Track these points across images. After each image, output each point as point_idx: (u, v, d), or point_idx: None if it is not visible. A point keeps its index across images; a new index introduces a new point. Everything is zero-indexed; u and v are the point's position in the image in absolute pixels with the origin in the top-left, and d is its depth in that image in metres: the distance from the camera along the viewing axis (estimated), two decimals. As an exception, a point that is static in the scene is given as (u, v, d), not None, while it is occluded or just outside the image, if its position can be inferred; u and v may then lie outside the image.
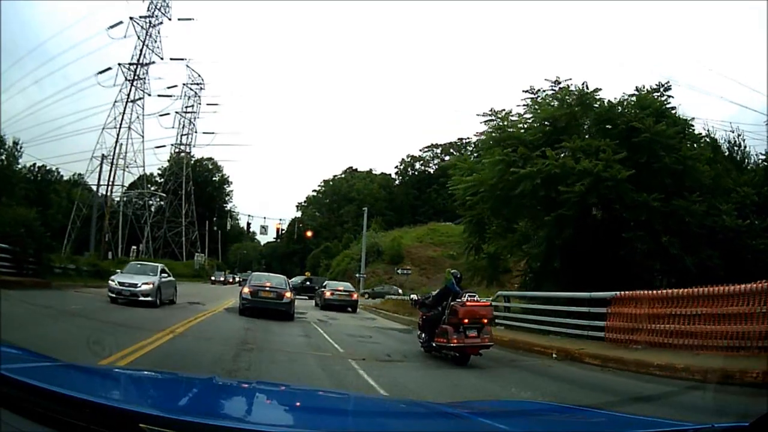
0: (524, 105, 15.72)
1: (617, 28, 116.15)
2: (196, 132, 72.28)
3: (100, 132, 58.41)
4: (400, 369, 8.38)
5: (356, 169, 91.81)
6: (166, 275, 16.66)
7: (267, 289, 15.73)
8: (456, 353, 8.78)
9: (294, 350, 9.29)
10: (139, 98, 62.01)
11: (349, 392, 5.00)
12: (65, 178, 66.63)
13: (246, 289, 15.80)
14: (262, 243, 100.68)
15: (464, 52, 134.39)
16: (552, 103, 15.46)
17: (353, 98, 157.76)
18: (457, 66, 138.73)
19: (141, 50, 61.23)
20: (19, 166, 49.81)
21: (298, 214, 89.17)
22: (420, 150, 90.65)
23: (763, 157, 20.79)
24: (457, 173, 16.55)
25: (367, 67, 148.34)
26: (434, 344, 9.25)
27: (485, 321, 8.89)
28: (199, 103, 71.54)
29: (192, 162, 75.08)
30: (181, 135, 71.72)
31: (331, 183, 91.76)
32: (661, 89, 15.60)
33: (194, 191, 72.06)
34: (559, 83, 15.66)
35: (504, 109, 15.70)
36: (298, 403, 2.55)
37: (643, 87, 15.68)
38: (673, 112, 15.67)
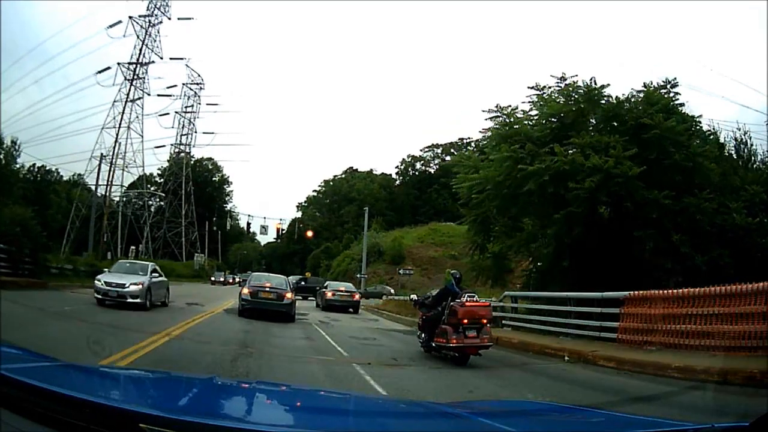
0: (529, 102, 15.49)
1: (617, 28, 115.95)
2: (195, 132, 72.03)
3: (99, 132, 58.14)
4: (408, 374, 8.00)
5: (356, 169, 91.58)
6: (157, 275, 15.59)
7: (267, 289, 15.30)
8: (455, 353, 8.80)
9: (295, 354, 8.91)
10: (139, 98, 61.73)
11: (349, 392, 4.87)
12: (65, 178, 66.40)
13: (245, 290, 15.38)
14: (262, 243, 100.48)
15: (464, 51, 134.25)
16: (558, 100, 15.20)
17: (353, 98, 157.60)
18: (458, 66, 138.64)
19: (140, 49, 60.98)
20: (18, 166, 49.39)
21: (299, 214, 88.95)
22: (420, 150, 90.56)
23: None
24: (461, 171, 16.20)
25: (368, 67, 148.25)
26: (434, 344, 9.28)
27: (485, 321, 8.91)
28: (199, 103, 71.30)
29: (192, 162, 74.77)
30: (181, 135, 71.47)
31: (331, 183, 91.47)
32: (668, 86, 15.32)
33: (194, 191, 71.73)
34: (565, 79, 15.40)
35: (510, 105, 15.43)
36: (298, 403, 2.54)
37: (651, 83, 15.45)
38: (681, 109, 15.44)
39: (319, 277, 39.73)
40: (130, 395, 2.17)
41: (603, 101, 15.11)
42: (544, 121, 14.93)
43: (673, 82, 15.31)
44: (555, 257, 13.43)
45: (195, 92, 70.97)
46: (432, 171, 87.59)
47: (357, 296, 24.65)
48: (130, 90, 60.29)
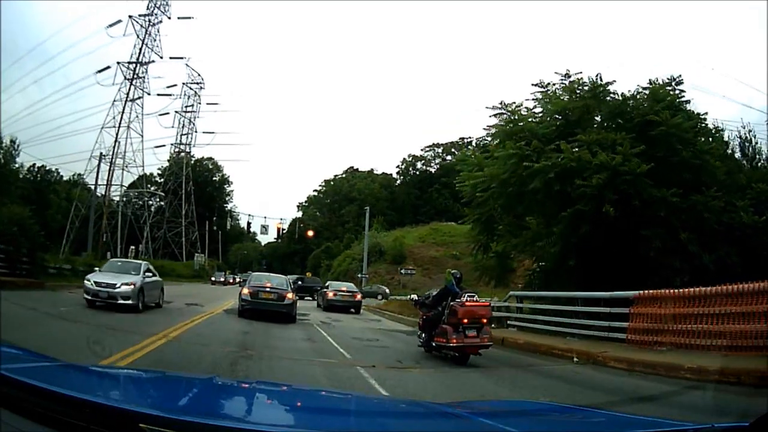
0: (533, 99, 15.31)
1: (617, 29, 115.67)
2: (196, 131, 71.82)
3: (99, 131, 57.88)
4: (414, 377, 7.72)
5: (357, 169, 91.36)
6: (150, 274, 14.79)
7: (267, 290, 14.97)
8: (455, 353, 8.83)
9: (297, 357, 8.61)
10: (139, 97, 61.49)
11: (349, 392, 4.79)
12: (65, 178, 66.16)
13: (245, 290, 15.05)
14: (262, 243, 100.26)
15: (465, 51, 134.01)
16: (563, 97, 15.00)
17: (354, 98, 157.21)
18: (458, 66, 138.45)
19: (140, 49, 60.73)
20: (17, 165, 49.23)
21: (299, 214, 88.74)
22: (421, 149, 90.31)
23: None
24: (465, 169, 15.96)
25: (368, 67, 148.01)
26: (434, 344, 9.29)
27: (484, 321, 8.93)
28: (199, 103, 71.11)
29: (192, 162, 74.58)
30: (181, 134, 71.25)
31: (332, 183, 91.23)
32: (673, 83, 15.12)
33: (194, 191, 71.54)
34: (569, 77, 15.21)
35: (514, 102, 15.21)
36: (298, 403, 2.53)
37: (657, 79, 15.24)
38: (686, 106, 15.24)
39: (316, 277, 39.38)
40: (130, 395, 2.16)
41: (609, 98, 14.93)
42: (549, 118, 14.73)
43: (678, 79, 15.15)
44: (561, 256, 13.17)
45: (195, 92, 70.84)
46: (433, 170, 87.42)
47: (359, 296, 24.38)
48: (129, 89, 60.12)
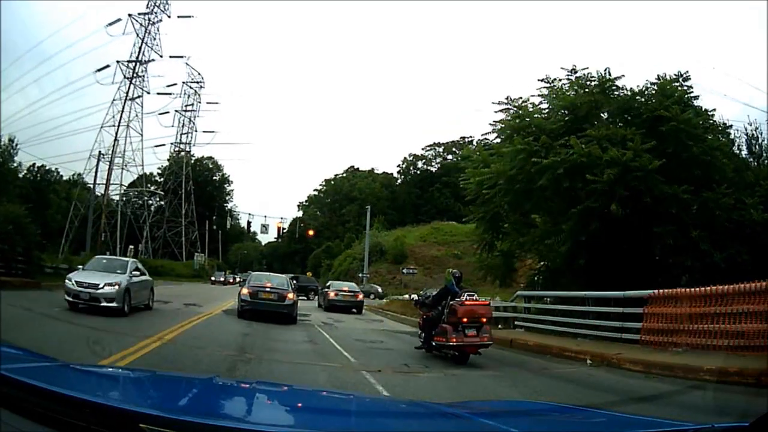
0: (539, 95, 14.98)
1: (616, 29, 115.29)
2: (196, 131, 71.46)
3: (98, 130, 57.55)
4: (423, 382, 7.32)
5: (358, 168, 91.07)
6: (138, 273, 13.48)
7: (267, 290, 14.54)
8: (455, 352, 8.90)
9: (298, 360, 8.21)
10: (138, 96, 61.16)
11: (349, 392, 4.69)
12: (65, 178, 65.87)
13: (245, 290, 14.63)
14: (263, 243, 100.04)
15: (465, 51, 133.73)
16: (569, 92, 14.69)
17: (354, 97, 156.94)
18: (458, 66, 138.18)
19: (140, 47, 60.41)
20: (15, 164, 48.97)
21: (299, 213, 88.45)
22: (422, 149, 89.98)
23: None
24: (470, 166, 15.59)
25: (369, 66, 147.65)
26: (434, 343, 9.30)
27: (484, 320, 8.96)
28: (199, 102, 70.78)
29: (192, 161, 74.26)
30: (181, 134, 70.90)
31: (332, 182, 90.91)
32: (680, 79, 14.81)
33: (194, 190, 71.26)
34: (576, 72, 14.89)
35: (521, 97, 14.87)
36: (298, 404, 2.52)
37: (665, 75, 14.94)
38: (694, 102, 14.94)
39: (312, 276, 38.94)
40: (130, 395, 2.15)
41: (617, 93, 14.62)
42: (556, 114, 14.39)
43: (685, 75, 14.86)
44: (570, 255, 12.82)
45: (195, 91, 70.51)
46: (434, 170, 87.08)
47: (361, 296, 23.99)
48: (129, 88, 59.78)
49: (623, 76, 14.67)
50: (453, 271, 10.17)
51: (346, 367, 7.98)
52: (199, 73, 70.16)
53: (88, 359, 5.22)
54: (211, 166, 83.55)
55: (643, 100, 14.44)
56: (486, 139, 19.70)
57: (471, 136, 78.44)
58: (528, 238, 14.66)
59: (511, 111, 14.56)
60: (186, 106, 70.09)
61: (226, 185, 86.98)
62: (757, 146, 23.56)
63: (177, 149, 71.49)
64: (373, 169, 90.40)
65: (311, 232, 59.69)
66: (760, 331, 8.04)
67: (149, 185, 68.44)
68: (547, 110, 14.83)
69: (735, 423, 1.68)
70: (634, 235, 12.78)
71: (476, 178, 14.53)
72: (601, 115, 14.98)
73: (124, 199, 63.22)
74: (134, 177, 63.44)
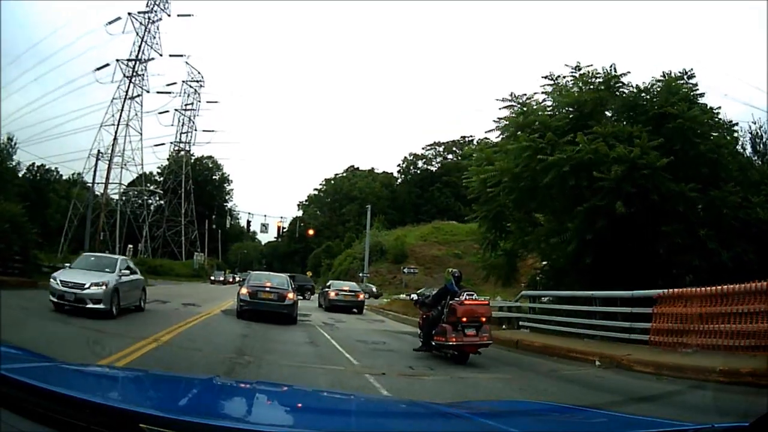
0: (543, 92, 14.76)
1: (615, 29, 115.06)
2: (195, 130, 71.30)
3: (97, 129, 57.37)
4: (430, 386, 7.05)
5: (358, 168, 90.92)
6: (128, 272, 12.52)
7: (267, 289, 14.23)
8: (454, 352, 8.90)
9: (299, 363, 7.93)
10: (138, 95, 61.02)
11: (349, 393, 4.63)
12: (64, 177, 65.69)
13: (244, 290, 14.32)
14: (262, 242, 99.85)
15: (465, 51, 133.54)
16: (573, 90, 14.49)
17: (355, 97, 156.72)
18: (458, 65, 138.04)
19: (140, 46, 60.22)
20: (13, 163, 48.77)
21: (299, 213, 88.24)
22: (422, 148, 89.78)
23: None
24: (473, 164, 15.35)
25: (369, 66, 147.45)
26: (434, 343, 9.30)
27: (484, 320, 8.98)
28: (199, 101, 70.71)
29: (192, 160, 74.05)
30: (181, 133, 70.69)
31: (332, 182, 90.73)
32: (685, 77, 14.61)
33: (194, 190, 71.11)
34: (580, 69, 14.69)
35: (525, 94, 14.63)
36: (298, 404, 2.51)
37: (670, 72, 14.74)
38: (699, 100, 14.74)
39: (306, 276, 38.61)
40: (130, 395, 2.15)
41: (624, 90, 14.42)
42: (561, 111, 14.17)
43: (689, 73, 14.66)
44: (576, 254, 12.59)
45: (195, 90, 70.40)
46: (434, 169, 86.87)
47: (362, 296, 23.75)
48: (129, 87, 59.58)
49: (629, 72, 14.49)
50: (452, 270, 10.18)
51: (349, 371, 7.72)
52: (198, 72, 70.11)
53: (79, 359, 4.96)
54: (210, 165, 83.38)
55: (648, 97, 14.27)
56: (487, 139, 19.55)
57: (471, 136, 78.41)
58: (533, 237, 14.42)
59: (516, 108, 14.33)
60: (186, 105, 70.04)
61: (225, 184, 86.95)
62: (761, 145, 23.41)
63: (177, 148, 71.43)
64: (373, 168, 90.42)
65: (311, 232, 59.41)
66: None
67: (149, 184, 68.25)
68: (551, 107, 14.65)
69: (735, 423, 1.67)
70: (640, 233, 12.59)
71: (480, 176, 14.29)
72: (606, 112, 14.80)
73: (123, 198, 63.01)
74: (134, 176, 63.35)
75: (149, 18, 60.80)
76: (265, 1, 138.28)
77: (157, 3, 61.03)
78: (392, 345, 11.46)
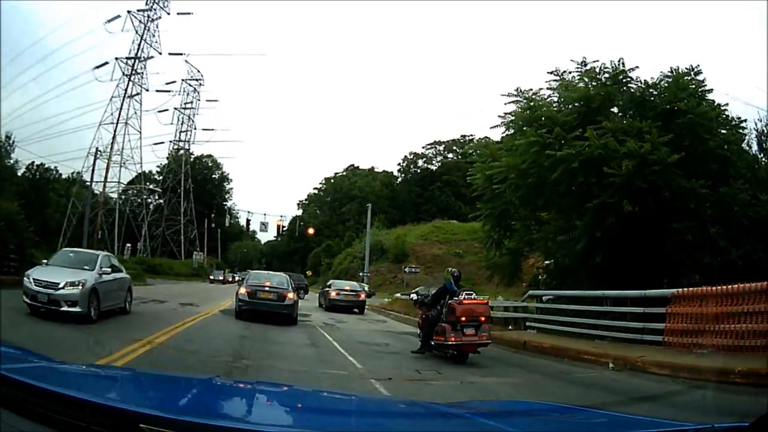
0: (548, 88, 14.47)
1: (615, 29, 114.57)
2: (195, 129, 70.93)
3: (96, 128, 57.04)
4: (440, 391, 6.67)
5: (358, 167, 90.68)
6: (109, 270, 11.07)
7: (266, 289, 13.85)
8: (454, 351, 8.91)
9: (300, 367, 7.56)
10: (137, 93, 60.71)
11: (349, 393, 4.55)
12: (64, 176, 65.39)
13: (243, 290, 13.93)
14: (262, 242, 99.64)
15: (465, 51, 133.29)
16: (579, 85, 14.19)
17: (355, 96, 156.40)
18: (459, 65, 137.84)
19: (139, 44, 59.89)
20: (12, 161, 48.48)
21: (299, 212, 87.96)
22: (422, 147, 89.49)
23: None
24: (477, 160, 15.03)
25: (369, 65, 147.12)
26: (433, 342, 9.30)
27: (483, 319, 9.00)
28: (199, 99, 70.32)
29: (191, 159, 73.72)
30: (180, 131, 70.33)
31: (332, 181, 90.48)
32: (692, 73, 14.33)
33: (193, 189, 70.81)
34: (586, 64, 14.40)
35: (531, 89, 14.31)
36: (298, 404, 2.51)
37: (678, 68, 14.46)
38: (708, 96, 14.48)
39: (300, 274, 38.29)
40: (130, 395, 2.15)
41: (632, 85, 14.13)
42: (568, 106, 13.86)
43: (696, 69, 14.39)
44: (585, 252, 12.28)
45: (194, 88, 69.98)
46: (434, 168, 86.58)
47: (363, 296, 23.43)
48: (128, 85, 59.25)
49: (637, 67, 14.19)
50: (452, 270, 10.20)
51: (353, 375, 7.38)
52: (198, 71, 69.71)
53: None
54: (210, 164, 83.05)
55: (656, 93, 14.02)
56: (488, 138, 19.27)
57: (472, 135, 78.03)
58: (541, 234, 14.10)
59: (522, 103, 14.01)
60: (185, 103, 69.65)
61: (225, 183, 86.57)
62: (766, 142, 23.22)
63: (176, 147, 71.05)
64: (373, 167, 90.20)
65: (311, 231, 58.99)
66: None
67: (148, 183, 67.94)
68: (557, 103, 14.37)
69: (735, 423, 1.67)
70: (650, 230, 12.33)
71: (485, 173, 13.95)
72: (613, 108, 14.53)
73: (122, 197, 62.72)
74: (133, 175, 63.06)
75: (149, 16, 60.56)
76: (265, 1, 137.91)
77: (156, 1, 60.75)
78: (396, 347, 11.10)
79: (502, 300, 18.89)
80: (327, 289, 23.78)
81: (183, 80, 68.30)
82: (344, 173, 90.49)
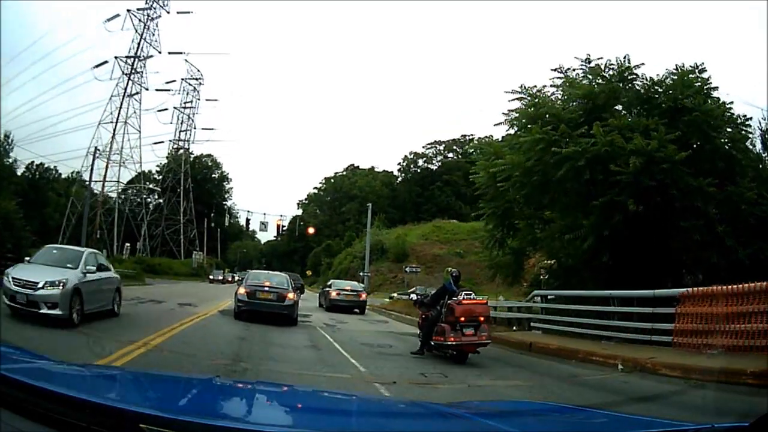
0: (552, 85, 14.27)
1: (614, 29, 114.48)
2: (194, 128, 70.72)
3: (96, 127, 56.86)
4: (446, 396, 6.33)
5: (358, 167, 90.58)
6: (93, 269, 10.08)
7: (266, 289, 13.61)
8: (453, 351, 8.92)
9: (300, 370, 7.31)
10: (136, 93, 60.53)
11: (349, 393, 4.45)
12: (63, 175, 65.23)
13: (242, 290, 13.66)
14: (262, 241, 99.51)
15: (465, 51, 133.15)
16: (583, 82, 14.00)
17: (355, 95, 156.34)
18: (459, 65, 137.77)
19: (138, 43, 59.72)
20: (10, 161, 48.30)
21: (299, 211, 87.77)
22: (423, 147, 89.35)
23: None
24: (480, 158, 14.83)
25: (369, 64, 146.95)
26: (432, 343, 9.29)
27: (482, 319, 9.01)
28: (198, 99, 70.15)
29: (191, 158, 73.52)
30: (180, 131, 70.12)
31: (332, 180, 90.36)
32: (697, 71, 14.14)
33: (193, 188, 70.62)
34: (590, 62, 14.21)
35: (535, 86, 14.10)
36: (298, 404, 2.49)
37: (683, 65, 14.28)
38: (713, 93, 14.31)
39: (296, 274, 38.12)
40: (130, 395, 2.15)
41: (638, 82, 13.93)
42: (573, 103, 13.65)
43: (701, 67, 14.21)
44: (592, 252, 12.07)
45: (194, 87, 69.81)
46: (434, 168, 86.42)
47: (363, 296, 23.21)
48: (127, 85, 59.08)
49: (643, 64, 14.00)
50: (451, 270, 10.27)
51: (356, 379, 7.13)
52: (198, 70, 69.55)
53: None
54: (210, 163, 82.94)
55: (661, 90, 13.83)
56: (489, 137, 19.08)
57: (472, 135, 77.95)
58: (546, 233, 13.87)
59: (526, 100, 13.80)
60: (185, 102, 69.48)
61: (225, 183, 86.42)
62: (769, 140, 23.07)
63: (176, 146, 70.84)
64: (373, 167, 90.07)
65: (311, 230, 58.75)
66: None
67: (147, 182, 67.73)
68: (561, 100, 14.17)
69: (735, 423, 1.66)
70: (657, 229, 12.15)
71: (489, 170, 13.73)
72: (618, 106, 14.34)
73: (122, 196, 62.52)
74: (132, 174, 62.88)
75: (148, 15, 60.44)
76: (265, 1, 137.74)
77: (156, 0, 60.52)
78: (399, 348, 10.84)
79: (503, 300, 18.69)
80: (327, 289, 23.56)
81: (183, 79, 68.23)
82: (344, 173, 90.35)
